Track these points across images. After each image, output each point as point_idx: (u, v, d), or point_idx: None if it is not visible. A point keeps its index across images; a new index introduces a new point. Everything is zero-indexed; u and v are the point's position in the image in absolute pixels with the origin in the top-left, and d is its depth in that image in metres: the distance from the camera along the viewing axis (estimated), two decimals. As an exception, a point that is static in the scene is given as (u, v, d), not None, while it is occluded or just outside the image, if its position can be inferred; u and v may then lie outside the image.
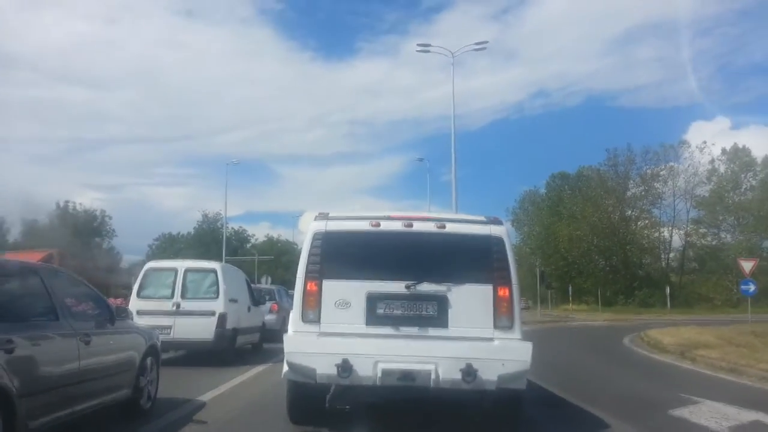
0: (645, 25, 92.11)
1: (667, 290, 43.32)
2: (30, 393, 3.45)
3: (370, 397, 5.02)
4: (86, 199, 58.61)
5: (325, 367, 4.44)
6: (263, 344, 11.70)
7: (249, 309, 10.97)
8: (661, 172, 53.11)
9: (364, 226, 4.85)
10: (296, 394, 4.89)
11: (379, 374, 4.41)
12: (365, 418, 5.07)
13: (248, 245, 61.20)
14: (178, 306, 9.40)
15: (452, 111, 25.91)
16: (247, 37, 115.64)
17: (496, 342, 4.58)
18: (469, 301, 4.66)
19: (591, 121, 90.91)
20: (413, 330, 4.61)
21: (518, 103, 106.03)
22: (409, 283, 4.61)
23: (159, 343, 5.81)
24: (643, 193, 53.68)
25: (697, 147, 52.34)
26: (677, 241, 54.30)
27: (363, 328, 4.62)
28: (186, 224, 50.26)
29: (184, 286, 9.56)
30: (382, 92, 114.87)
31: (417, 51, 26.52)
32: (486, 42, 26.51)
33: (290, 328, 4.78)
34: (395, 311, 4.64)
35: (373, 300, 4.64)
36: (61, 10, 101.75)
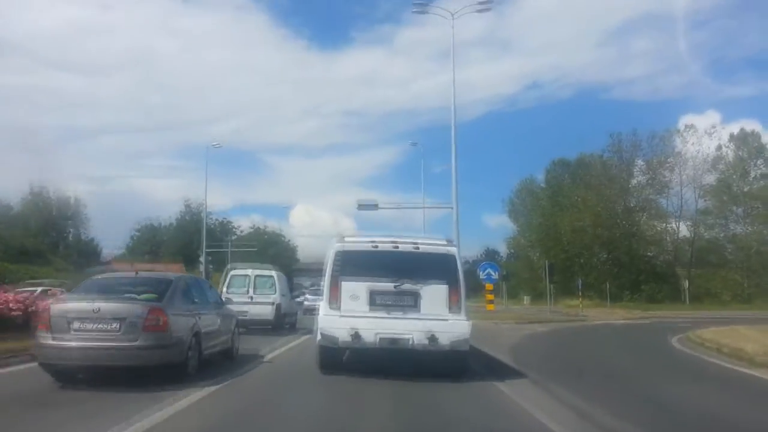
0: (640, 17, 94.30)
1: (686, 284, 43.24)
2: (204, 335, 8.01)
3: (371, 354, 8.28)
4: (72, 191, 58.99)
5: (344, 336, 7.78)
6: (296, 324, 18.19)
7: (291, 299, 18.45)
8: (669, 159, 52.81)
9: (367, 246, 8.21)
10: (325, 353, 8.15)
11: (377, 340, 7.79)
12: (367, 368, 8.16)
13: (233, 237, 61.87)
14: (252, 298, 15.92)
15: (452, 88, 25.47)
16: (242, 23, 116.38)
17: (449, 321, 7.87)
18: (433, 295, 7.92)
19: (583, 113, 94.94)
20: (398, 313, 7.89)
21: (512, 96, 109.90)
22: (396, 283, 7.91)
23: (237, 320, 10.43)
24: (648, 181, 53.49)
25: (705, 132, 52.13)
26: (684, 231, 54.14)
27: (367, 312, 7.89)
28: (196, 223, 50.67)
29: (254, 285, 16.27)
30: (376, 82, 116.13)
31: (413, 12, 26.66)
32: (490, 2, 25.74)
33: (321, 311, 8.13)
34: (387, 301, 7.93)
35: (373, 294, 7.92)
36: None
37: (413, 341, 7.69)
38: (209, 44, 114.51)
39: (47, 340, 6.84)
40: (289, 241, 71.42)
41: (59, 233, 59.53)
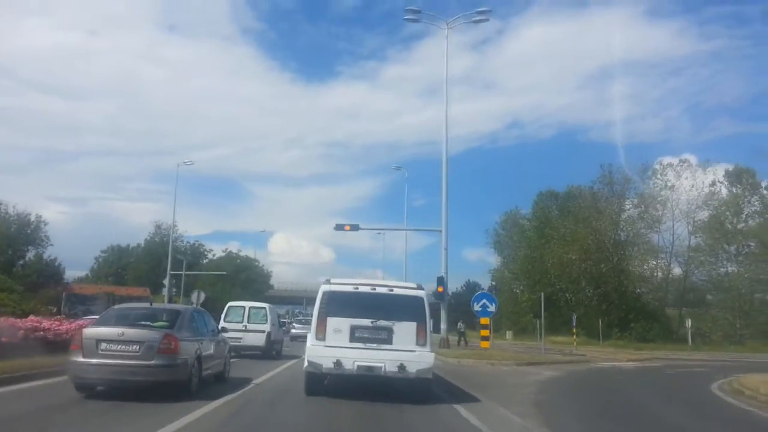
0: (618, 63, 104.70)
1: (688, 324, 43.12)
2: (204, 358, 10.24)
3: (349, 380, 10.36)
4: (49, 212, 60.77)
5: (327, 363, 9.93)
6: (282, 351, 21.82)
7: (279, 329, 22.22)
8: (662, 192, 54.38)
9: (350, 288, 10.51)
10: (310, 378, 10.36)
11: (355, 368, 9.92)
12: (345, 392, 10.34)
13: (205, 261, 63.20)
14: (246, 327, 19.45)
15: (445, 93, 27.86)
16: (228, 54, 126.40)
17: (416, 352, 10.08)
18: (404, 330, 10.16)
19: (562, 153, 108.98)
20: (374, 345, 10.08)
21: (493, 133, 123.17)
22: (373, 320, 10.14)
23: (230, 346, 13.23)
24: (640, 215, 55.05)
25: (700, 165, 54.17)
26: (676, 269, 56.18)
27: (348, 344, 10.08)
28: (165, 246, 52.34)
29: (248, 316, 19.92)
30: (360, 115, 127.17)
31: (406, 19, 28.45)
32: (488, 12, 27.57)
33: (309, 342, 10.43)
34: (365, 335, 10.12)
35: (353, 329, 10.13)
36: (42, 19, 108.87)
37: (386, 369, 9.87)
38: (194, 73, 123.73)
39: (78, 357, 9.02)
40: (263, 266, 73.23)
41: (15, 251, 60.53)
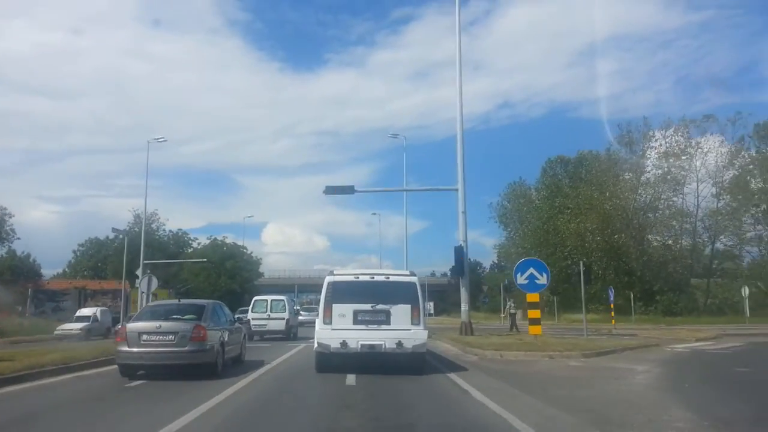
0: (607, 38, 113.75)
1: (745, 292, 43.48)
2: (227, 343, 14.30)
3: (354, 357, 13.31)
4: (40, 212, 64.56)
5: (335, 344, 13.29)
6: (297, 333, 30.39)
7: (295, 316, 32.95)
8: (688, 149, 55.86)
9: (351, 278, 13.99)
10: (320, 357, 13.67)
11: (359, 347, 13.24)
12: (351, 367, 13.20)
13: (189, 250, 66.40)
14: (269, 315, 29.09)
15: (458, 66, 29.87)
16: (215, 47, 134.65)
17: (411, 330, 13.40)
18: (400, 312, 13.47)
19: (553, 132, 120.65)
20: (374, 326, 13.40)
21: (485, 114, 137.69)
22: (372, 304, 13.41)
23: (246, 333, 18.31)
24: (662, 177, 56.22)
25: (728, 120, 55.91)
26: (701, 234, 58.13)
27: (351, 326, 13.38)
28: (145, 235, 55.70)
29: (271, 306, 29.40)
30: (350, 102, 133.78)
31: None
32: None
33: (317, 326, 13.72)
34: (366, 317, 13.43)
35: (356, 313, 13.44)
36: (24, 20, 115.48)
37: (385, 346, 13.14)
38: (181, 67, 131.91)
39: (124, 347, 12.54)
40: (251, 253, 76.74)
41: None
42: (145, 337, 12.62)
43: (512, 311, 36.32)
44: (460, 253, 28.17)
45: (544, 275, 20.46)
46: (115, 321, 37.82)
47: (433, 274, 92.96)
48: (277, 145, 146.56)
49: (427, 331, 13.89)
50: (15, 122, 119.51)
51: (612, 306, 38.21)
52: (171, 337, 12.61)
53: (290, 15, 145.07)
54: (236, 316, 22.08)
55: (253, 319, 28.98)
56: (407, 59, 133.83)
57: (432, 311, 66.88)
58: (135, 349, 12.54)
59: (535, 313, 21.44)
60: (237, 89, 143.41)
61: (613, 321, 37.63)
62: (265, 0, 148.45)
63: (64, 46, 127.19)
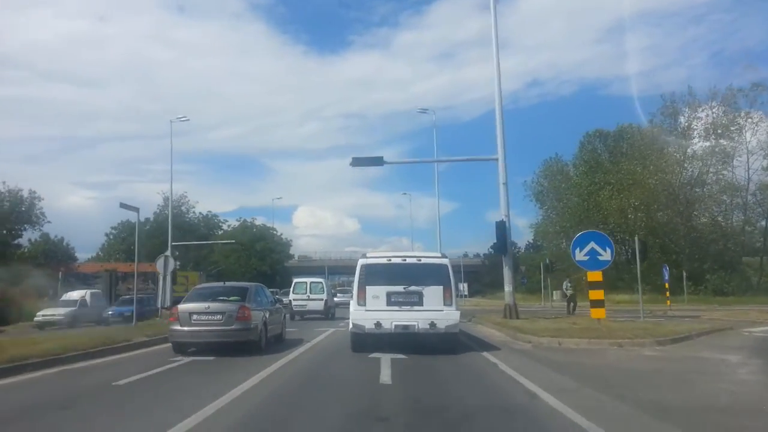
0: (637, 14, 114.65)
1: None
2: (269, 322, 16.11)
3: (388, 337, 14.14)
4: (78, 198, 67.47)
5: (369, 325, 14.23)
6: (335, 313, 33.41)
7: (333, 297, 36.73)
8: (737, 119, 54.85)
9: (384, 260, 14.99)
10: (355, 337, 14.64)
11: (393, 327, 14.12)
12: (386, 347, 14.03)
13: (219, 232, 68.27)
14: (309, 297, 32.84)
15: (495, 50, 28.59)
16: (239, 31, 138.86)
17: (444, 311, 14.26)
18: (432, 293, 14.36)
19: (584, 110, 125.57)
20: (407, 307, 14.28)
21: (513, 93, 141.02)
22: (405, 286, 14.36)
23: (285, 314, 20.36)
24: (710, 149, 55.43)
25: None
26: (753, 209, 57.01)
27: (385, 307, 14.33)
28: (175, 218, 57.76)
29: (310, 288, 33.17)
30: (375, 85, 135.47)
31: None
32: None
33: (352, 308, 14.69)
34: (399, 299, 14.33)
35: (389, 294, 14.37)
36: (51, 9, 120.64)
37: (419, 327, 13.94)
38: (206, 53, 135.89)
39: (177, 326, 14.04)
40: (281, 235, 78.50)
41: (10, 231, 66.12)
42: (195, 317, 14.13)
43: (570, 291, 34.16)
44: (502, 228, 26.71)
45: (608, 250, 18.83)
46: (152, 302, 39.20)
47: (465, 255, 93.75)
48: (305, 128, 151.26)
49: (459, 312, 14.77)
50: (46, 110, 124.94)
51: (667, 285, 37.26)
52: (219, 316, 14.06)
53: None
54: (290, 297, 28.70)
55: (294, 300, 32.73)
56: (431, 40, 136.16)
57: (466, 292, 67.30)
58: (186, 328, 14.11)
59: (597, 294, 19.30)
60: (262, 73, 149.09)
61: (669, 302, 36.99)
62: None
63: (90, 33, 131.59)
